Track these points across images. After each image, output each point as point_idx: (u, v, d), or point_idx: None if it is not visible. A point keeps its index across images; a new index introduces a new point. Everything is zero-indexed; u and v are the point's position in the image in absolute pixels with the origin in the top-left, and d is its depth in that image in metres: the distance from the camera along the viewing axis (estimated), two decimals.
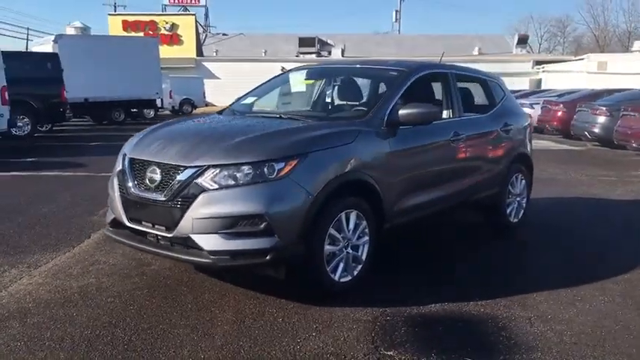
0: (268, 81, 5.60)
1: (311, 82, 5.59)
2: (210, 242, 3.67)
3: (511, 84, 31.09)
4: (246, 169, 3.70)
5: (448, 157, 5.07)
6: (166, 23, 39.02)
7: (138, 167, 4.08)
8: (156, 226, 3.89)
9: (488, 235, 6.02)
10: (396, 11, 59.52)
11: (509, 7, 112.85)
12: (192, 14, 41.79)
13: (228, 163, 3.72)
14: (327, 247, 3.96)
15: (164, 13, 41.29)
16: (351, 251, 4.14)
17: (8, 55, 14.50)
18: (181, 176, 3.77)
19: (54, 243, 5.32)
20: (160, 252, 3.89)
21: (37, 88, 15.21)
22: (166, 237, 3.83)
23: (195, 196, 3.69)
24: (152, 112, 24.71)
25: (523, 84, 35.04)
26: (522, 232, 6.08)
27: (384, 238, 4.59)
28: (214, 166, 3.72)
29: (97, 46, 21.27)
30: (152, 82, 22.38)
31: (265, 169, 3.71)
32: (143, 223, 3.97)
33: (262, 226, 3.64)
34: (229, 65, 38.95)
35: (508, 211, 5.97)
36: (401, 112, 4.48)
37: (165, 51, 37.62)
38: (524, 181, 6.16)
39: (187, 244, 3.74)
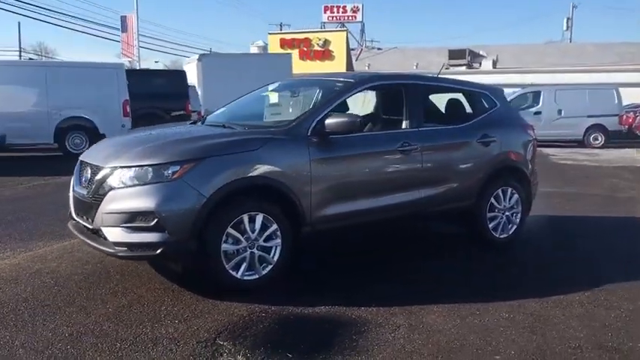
0: (250, 93, 6.03)
1: (276, 94, 5.92)
2: (113, 234, 4.20)
3: None
4: (147, 170, 4.18)
5: (393, 167, 5.12)
6: (319, 40, 40.58)
7: (81, 168, 4.74)
8: (87, 219, 4.49)
9: (449, 247, 6.00)
10: (568, 19, 56.30)
11: None
12: (344, 30, 43.09)
13: (133, 165, 4.23)
14: (226, 246, 4.28)
15: (318, 30, 43.00)
16: (256, 251, 4.41)
17: (140, 73, 16.36)
18: (99, 176, 4.35)
19: (65, 234, 6.14)
20: (89, 242, 4.47)
21: (164, 102, 16.88)
22: (90, 228, 4.43)
23: (105, 194, 4.24)
24: None
25: None
26: (502, 248, 5.85)
27: (313, 241, 4.83)
28: (122, 167, 4.25)
29: (235, 63, 22.82)
30: None
31: (163, 171, 4.15)
32: (83, 217, 4.59)
33: (153, 222, 4.08)
34: None
35: (491, 225, 5.79)
36: (327, 121, 4.68)
37: (318, 66, 39.37)
38: (516, 195, 5.91)
39: (101, 235, 4.30)
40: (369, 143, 5.02)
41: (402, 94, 5.38)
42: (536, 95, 19.44)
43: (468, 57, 40.98)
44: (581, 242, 6.16)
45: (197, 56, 22.41)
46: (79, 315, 3.93)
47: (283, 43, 41.19)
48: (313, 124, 4.70)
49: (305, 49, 40.80)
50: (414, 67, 42.59)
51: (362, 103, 6.38)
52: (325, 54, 40.68)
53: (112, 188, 4.23)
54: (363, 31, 51.68)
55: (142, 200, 4.12)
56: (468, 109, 5.91)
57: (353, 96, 5.21)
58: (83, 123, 14.07)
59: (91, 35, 72.45)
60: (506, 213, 5.88)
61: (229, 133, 4.76)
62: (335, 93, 5.04)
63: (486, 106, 5.93)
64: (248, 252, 4.39)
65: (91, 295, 4.32)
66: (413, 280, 4.83)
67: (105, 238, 4.26)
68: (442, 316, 4.05)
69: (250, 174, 4.35)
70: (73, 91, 13.86)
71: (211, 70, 20.89)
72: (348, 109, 5.85)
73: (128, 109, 14.48)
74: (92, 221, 4.35)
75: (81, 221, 4.60)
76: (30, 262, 5.14)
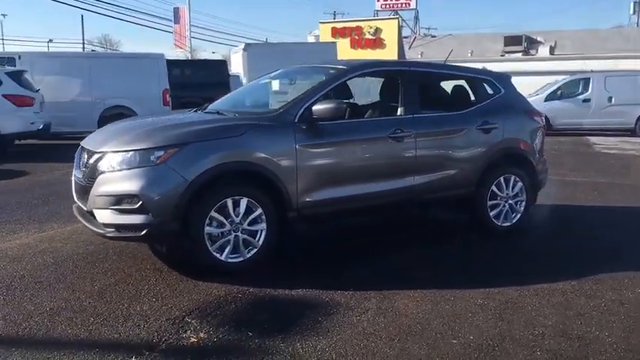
0: (254, 80, 6.16)
1: (277, 81, 6.02)
2: (103, 216, 4.41)
3: None
4: (133, 155, 4.36)
5: (384, 154, 5.13)
6: (370, 28, 40.40)
7: (81, 153, 4.96)
8: (84, 202, 4.72)
9: (447, 234, 6.02)
10: (634, 2, 53.94)
11: None
12: (396, 18, 42.72)
13: (121, 150, 4.42)
14: (210, 229, 4.42)
15: (370, 18, 42.79)
16: (241, 235, 4.53)
17: (182, 63, 16.77)
18: (92, 160, 4.57)
19: None
20: (85, 223, 4.70)
21: (205, 91, 17.18)
22: (86, 210, 4.65)
23: (96, 177, 4.45)
24: None
25: None
26: (504, 236, 5.77)
27: (305, 226, 4.97)
28: (112, 152, 4.45)
29: (280, 52, 23.01)
30: None
31: (148, 156, 4.32)
32: (80, 199, 4.83)
33: (138, 204, 4.27)
34: None
35: (493, 213, 5.72)
36: (314, 107, 4.75)
37: (369, 55, 39.19)
38: (520, 183, 5.80)
39: (93, 216, 4.52)
40: (358, 130, 5.06)
41: (397, 82, 5.39)
42: (586, 82, 18.80)
43: (524, 43, 39.89)
44: (588, 232, 6.04)
45: (243, 46, 22.78)
46: (65, 291, 4.16)
47: (335, 32, 41.16)
48: (301, 111, 4.77)
49: (356, 37, 40.71)
50: (469, 55, 41.82)
51: (367, 91, 6.42)
52: (376, 42, 40.46)
53: (102, 172, 4.43)
54: (417, 18, 51.01)
55: (128, 184, 4.30)
56: (470, 96, 5.84)
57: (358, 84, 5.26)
58: (125, 112, 14.50)
59: (150, 28, 74.45)
60: (510, 201, 5.79)
61: (216, 119, 4.90)
62: (325, 80, 5.11)
63: (489, 92, 5.85)
64: (232, 235, 4.51)
65: (83, 274, 4.54)
66: (401, 267, 4.86)
67: (96, 219, 4.48)
68: (415, 301, 4.07)
69: (233, 159, 4.48)
70: (115, 81, 14.38)
71: (256, 59, 21.17)
72: (351, 96, 5.92)
73: (168, 98, 14.90)
74: (87, 203, 4.57)
75: (80, 204, 4.84)
76: (39, 242, 5.43)
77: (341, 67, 5.28)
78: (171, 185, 4.29)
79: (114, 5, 74.02)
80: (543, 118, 6.16)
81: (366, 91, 6.61)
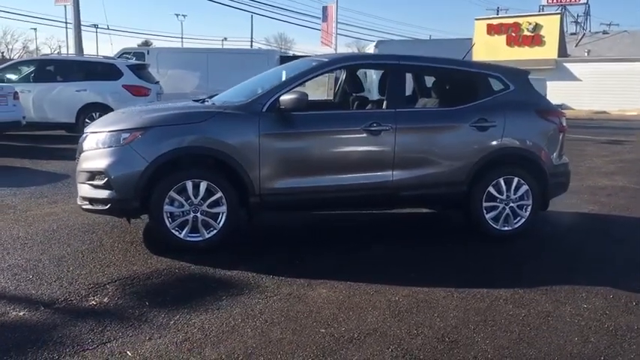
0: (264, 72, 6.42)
1: (284, 72, 6.15)
2: (82, 189, 4.95)
3: None
4: (106, 136, 4.84)
5: (356, 147, 5.11)
6: (529, 24, 38.48)
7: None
8: None
9: (428, 235, 5.85)
10: None
11: None
12: (558, 13, 40.23)
13: (98, 131, 4.92)
14: (170, 208, 4.76)
15: (529, 14, 40.71)
16: (200, 216, 4.82)
17: (295, 59, 17.46)
18: (80, 140, 5.12)
19: None
20: (78, 196, 5.27)
21: None
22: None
23: (81, 155, 5.00)
24: None
25: None
26: (490, 239, 5.45)
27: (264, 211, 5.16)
28: (92, 133, 4.97)
29: (412, 49, 22.96)
30: None
31: (118, 138, 4.77)
32: None
33: (104, 181, 4.73)
34: (594, 66, 36.52)
35: (489, 215, 5.40)
36: (281, 98, 4.90)
37: (526, 52, 37.51)
38: (524, 186, 5.40)
39: None
40: (330, 121, 5.10)
41: (384, 75, 5.34)
42: None
43: None
44: (584, 242, 5.61)
45: (375, 42, 23.03)
46: (36, 253, 4.73)
47: (490, 29, 39.87)
48: (270, 101, 4.93)
49: (513, 34, 39.07)
50: None
51: (368, 83, 6.38)
52: (535, 39, 38.49)
53: (84, 150, 4.96)
54: (587, 14, 47.76)
55: (98, 161, 4.78)
56: (468, 92, 5.54)
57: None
58: None
59: (306, 27, 78.59)
60: (512, 204, 5.42)
61: (187, 107, 5.22)
62: (303, 71, 5.21)
63: (494, 89, 5.51)
64: (191, 215, 4.80)
65: (66, 240, 5.10)
66: (358, 260, 4.85)
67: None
68: (333, 292, 4.07)
69: (191, 144, 4.76)
70: (229, 75, 15.29)
71: None
72: (362, 89, 5.96)
73: None
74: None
75: None
76: (62, 212, 6.14)
77: (321, 59, 5.34)
78: (133, 165, 4.68)
79: (279, 8, 79.40)
80: (562, 118, 5.66)
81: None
